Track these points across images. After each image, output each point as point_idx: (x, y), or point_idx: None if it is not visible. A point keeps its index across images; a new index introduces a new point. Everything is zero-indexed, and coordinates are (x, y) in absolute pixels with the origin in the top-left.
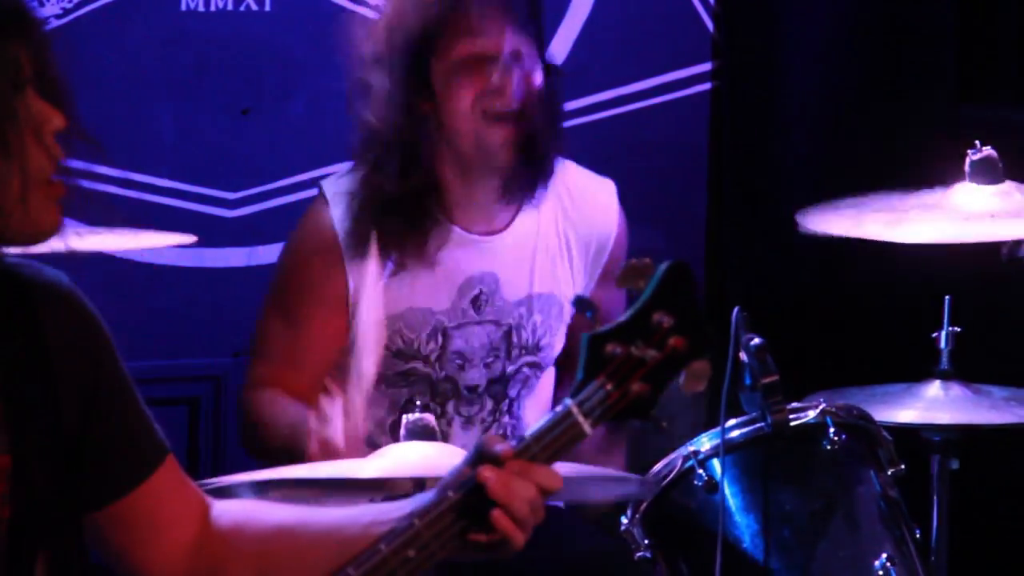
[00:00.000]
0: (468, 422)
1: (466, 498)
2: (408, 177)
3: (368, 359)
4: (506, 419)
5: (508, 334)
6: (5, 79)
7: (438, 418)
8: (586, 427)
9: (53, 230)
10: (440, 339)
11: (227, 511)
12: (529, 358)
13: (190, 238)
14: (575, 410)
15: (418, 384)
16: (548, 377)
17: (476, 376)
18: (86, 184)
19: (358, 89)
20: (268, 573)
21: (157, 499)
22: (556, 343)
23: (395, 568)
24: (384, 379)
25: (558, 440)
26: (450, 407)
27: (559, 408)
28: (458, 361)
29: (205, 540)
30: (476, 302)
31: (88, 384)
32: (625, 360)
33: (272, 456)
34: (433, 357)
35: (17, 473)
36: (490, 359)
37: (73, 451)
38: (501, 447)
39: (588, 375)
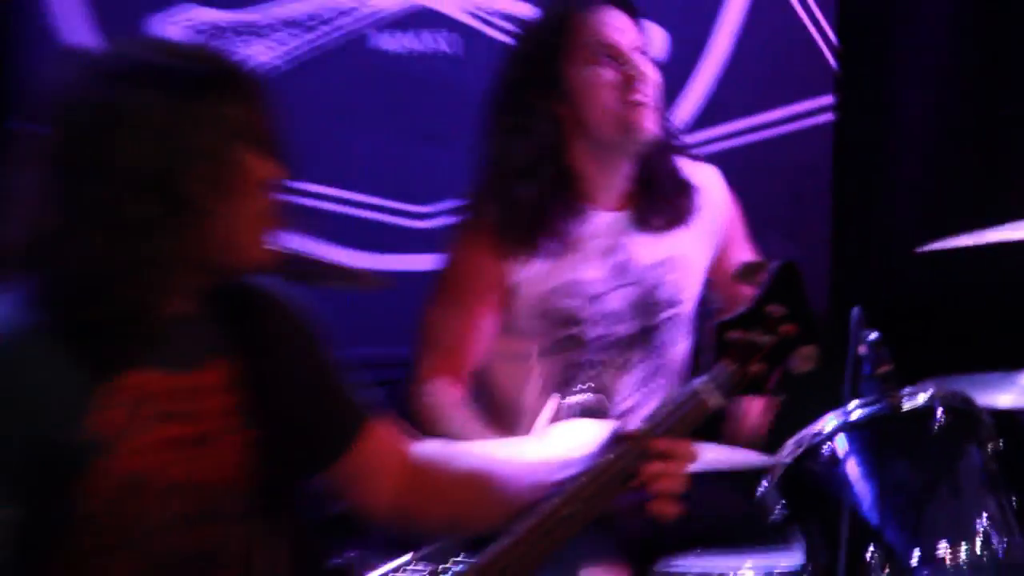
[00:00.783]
0: (622, 369)
1: (614, 474)
2: (552, 176)
3: (533, 331)
4: (655, 362)
5: (649, 292)
6: (224, 134)
7: (599, 371)
8: (712, 402)
9: (262, 263)
10: (593, 304)
11: (426, 456)
12: (669, 311)
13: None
14: (703, 388)
15: (578, 348)
16: (687, 327)
17: (624, 330)
18: (303, 201)
19: (499, 105)
20: (457, 509)
21: (365, 455)
22: (691, 297)
23: (554, 525)
24: (548, 348)
25: (689, 415)
26: (606, 359)
27: (689, 387)
28: (610, 319)
29: (407, 482)
30: (618, 269)
31: (307, 372)
32: (745, 345)
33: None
34: (590, 320)
35: (255, 445)
36: (636, 315)
37: (296, 427)
38: (635, 428)
39: (714, 358)
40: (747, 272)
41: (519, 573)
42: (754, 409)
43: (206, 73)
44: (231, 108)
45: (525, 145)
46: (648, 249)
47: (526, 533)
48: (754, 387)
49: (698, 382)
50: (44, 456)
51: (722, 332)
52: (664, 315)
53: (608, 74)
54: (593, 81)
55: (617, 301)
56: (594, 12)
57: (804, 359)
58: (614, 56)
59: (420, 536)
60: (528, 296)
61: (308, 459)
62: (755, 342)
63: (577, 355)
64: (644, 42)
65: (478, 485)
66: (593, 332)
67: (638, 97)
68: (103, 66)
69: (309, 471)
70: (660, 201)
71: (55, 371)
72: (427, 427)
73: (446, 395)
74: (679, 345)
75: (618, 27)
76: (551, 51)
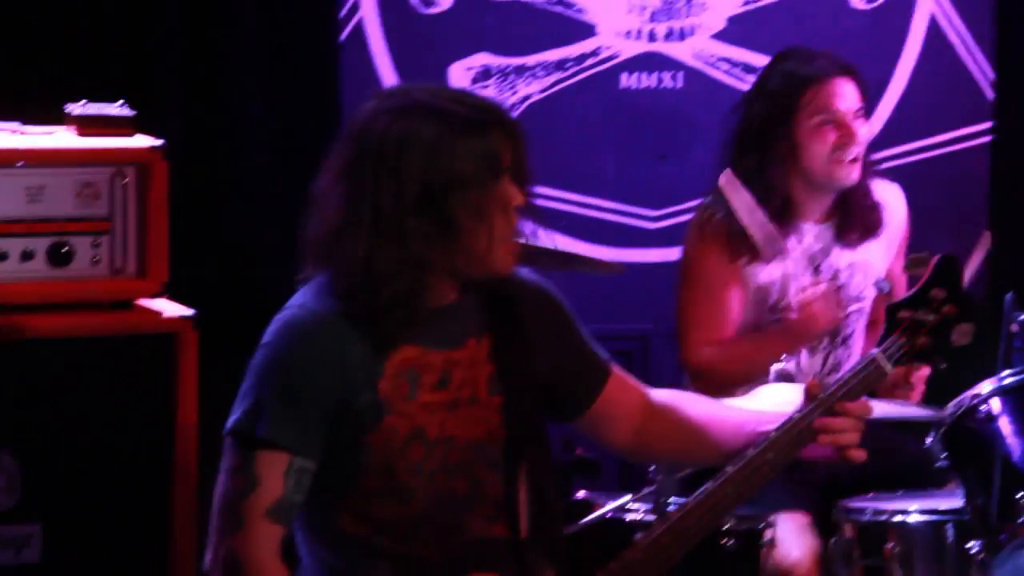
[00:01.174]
0: (813, 350)
1: (804, 428)
2: (776, 194)
3: (753, 314)
4: (840, 350)
5: (839, 289)
6: (487, 167)
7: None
8: (887, 368)
9: (506, 274)
10: (795, 295)
11: (661, 401)
12: (855, 306)
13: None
14: (880, 357)
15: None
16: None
17: None
18: (559, 206)
19: (741, 145)
20: (684, 447)
21: (608, 403)
22: (871, 295)
23: (759, 465)
24: (758, 329)
25: (867, 378)
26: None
27: (867, 356)
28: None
29: (645, 423)
30: (817, 268)
31: (555, 340)
32: (913, 322)
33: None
34: (791, 308)
35: (506, 408)
36: None
37: (544, 389)
38: (823, 389)
39: (888, 332)
40: (915, 263)
41: (724, 510)
42: (919, 377)
43: (478, 115)
44: (495, 145)
45: (759, 180)
46: (842, 255)
47: (734, 474)
48: (920, 357)
49: (875, 352)
50: (344, 415)
51: (894, 312)
52: (850, 309)
53: (830, 136)
54: (817, 139)
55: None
56: (828, 83)
57: (962, 334)
58: (837, 122)
59: (641, 479)
60: (756, 287)
61: (561, 411)
62: (921, 320)
63: None
64: (862, 105)
65: (702, 429)
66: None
67: (849, 156)
68: (399, 102)
69: (563, 420)
70: (855, 218)
71: (351, 346)
72: (708, 383)
73: (718, 351)
74: (860, 337)
75: (844, 96)
76: (787, 111)
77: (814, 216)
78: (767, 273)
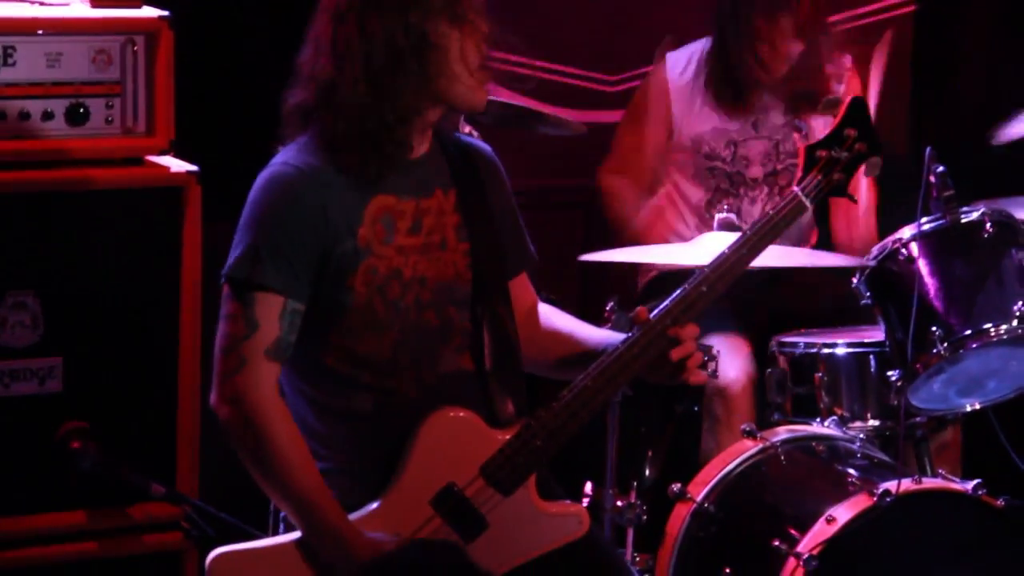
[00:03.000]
0: (752, 201)
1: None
2: (737, 67)
3: (686, 159)
4: (776, 199)
5: (776, 144)
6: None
7: (733, 197)
8: (807, 203)
9: (482, 104)
10: (733, 148)
11: (543, 310)
12: (790, 161)
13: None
14: (799, 193)
15: (719, 176)
16: None
17: (755, 171)
18: (527, 71)
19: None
20: (545, 355)
21: (514, 288)
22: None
23: (616, 373)
24: (697, 172)
25: (788, 215)
26: (740, 191)
27: (788, 194)
28: (744, 161)
29: (527, 324)
30: (756, 124)
31: (500, 209)
32: (829, 159)
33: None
34: (728, 158)
35: (473, 252)
36: (764, 160)
37: (497, 243)
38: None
39: (807, 171)
40: (828, 105)
41: (597, 404)
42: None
43: None
44: None
45: (737, 38)
46: (779, 111)
47: (595, 376)
48: (836, 190)
49: (796, 189)
50: (328, 259)
51: (812, 151)
52: (787, 162)
53: (784, 24)
54: (775, 29)
55: (751, 148)
56: None
57: (872, 167)
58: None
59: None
60: (687, 134)
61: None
62: (836, 157)
63: (719, 183)
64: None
65: (564, 342)
66: (731, 168)
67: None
68: None
69: (505, 277)
70: (801, 90)
71: (333, 197)
72: (604, 209)
73: (617, 187)
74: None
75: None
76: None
77: (768, 84)
78: (702, 123)
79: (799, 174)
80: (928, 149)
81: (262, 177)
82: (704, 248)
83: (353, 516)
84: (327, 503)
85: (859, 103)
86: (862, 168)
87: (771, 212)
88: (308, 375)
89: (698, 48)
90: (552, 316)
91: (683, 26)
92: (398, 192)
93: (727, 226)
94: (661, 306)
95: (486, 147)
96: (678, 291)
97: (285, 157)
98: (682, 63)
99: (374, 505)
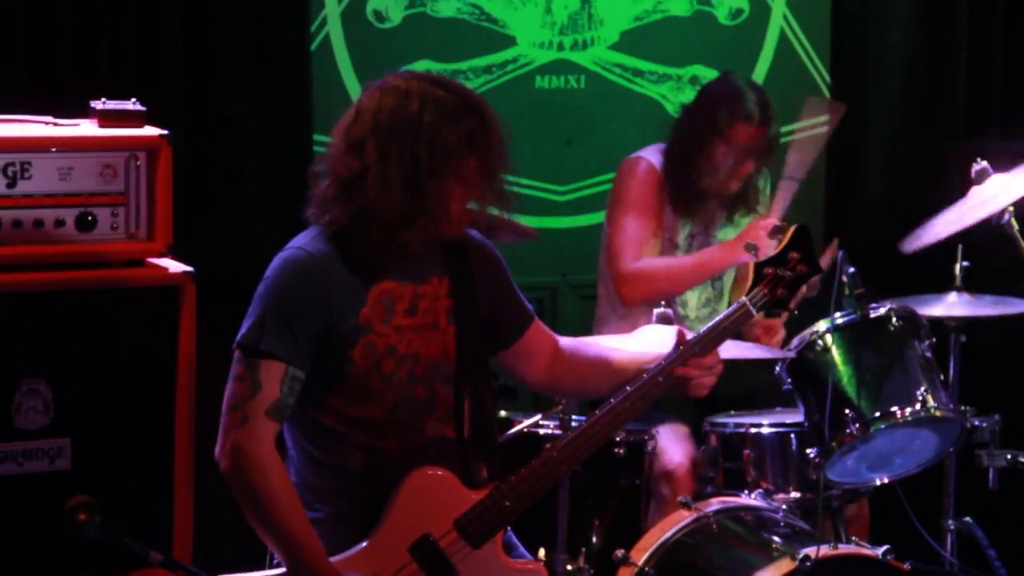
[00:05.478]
0: (692, 289)
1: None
2: (689, 183)
3: (658, 248)
4: (715, 297)
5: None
6: (462, 142)
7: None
8: (753, 312)
9: (459, 234)
10: (690, 241)
11: (567, 345)
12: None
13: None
14: (747, 303)
15: None
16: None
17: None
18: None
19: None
20: (584, 383)
21: (529, 343)
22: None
23: (636, 400)
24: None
25: (736, 320)
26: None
27: (738, 302)
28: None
29: (555, 362)
30: (707, 224)
31: (495, 287)
32: (775, 276)
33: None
34: (686, 250)
35: (459, 334)
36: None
37: (485, 324)
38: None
39: (755, 284)
40: (777, 230)
41: (622, 422)
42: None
43: (461, 102)
44: (474, 126)
45: (682, 169)
46: (724, 230)
47: (621, 402)
48: (778, 304)
49: (744, 299)
50: (331, 334)
51: (760, 268)
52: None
53: (729, 163)
54: (720, 162)
55: (699, 245)
56: (749, 127)
57: (812, 287)
58: (738, 157)
59: (549, 402)
60: (664, 224)
61: (491, 345)
62: (781, 275)
63: None
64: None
65: (598, 368)
66: None
67: (736, 180)
68: (405, 86)
69: (490, 353)
70: (737, 205)
71: (339, 280)
72: (636, 290)
73: (645, 262)
74: (727, 289)
75: (752, 141)
76: (713, 133)
77: (711, 200)
78: (669, 218)
79: (747, 286)
80: (841, 252)
81: (279, 258)
82: (647, 339)
83: (337, 558)
84: (311, 545)
85: (803, 230)
86: (802, 288)
87: (722, 318)
88: (308, 432)
89: (655, 153)
90: (580, 347)
91: (629, 142)
92: (398, 278)
93: (664, 319)
94: (619, 393)
95: (481, 236)
96: (638, 381)
97: (300, 242)
98: (657, 162)
99: (357, 548)
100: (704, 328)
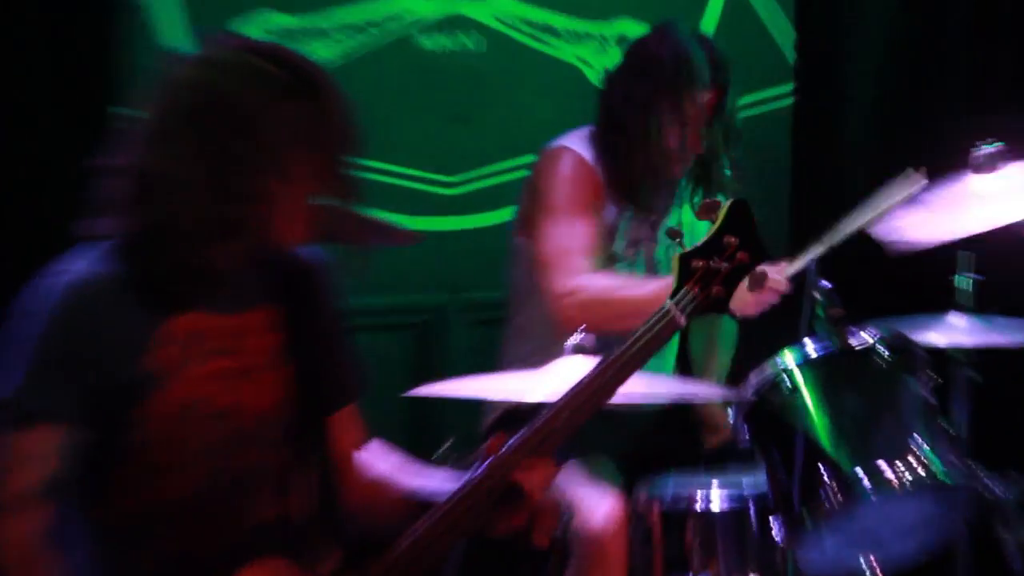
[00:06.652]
0: None
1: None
2: (627, 166)
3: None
4: None
5: (668, 248)
6: (293, 134)
7: None
8: (681, 320)
9: (297, 244)
10: (635, 248)
11: (368, 450)
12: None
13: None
14: (673, 308)
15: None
16: None
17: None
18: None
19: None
20: (369, 504)
21: (335, 427)
22: None
23: (456, 520)
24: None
25: (662, 331)
26: None
27: (660, 308)
28: (640, 264)
29: (347, 469)
30: (654, 225)
31: (329, 330)
32: (706, 271)
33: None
34: (629, 260)
35: (296, 378)
36: (655, 264)
37: (319, 370)
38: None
39: (681, 283)
40: (706, 208)
41: (435, 555)
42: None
43: (296, 80)
44: (305, 111)
45: (630, 140)
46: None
47: (434, 523)
48: (715, 306)
49: (668, 303)
50: (109, 388)
51: (687, 261)
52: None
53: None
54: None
55: (645, 252)
56: (711, 93)
57: (756, 281)
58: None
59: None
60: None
61: (323, 401)
62: (715, 268)
63: None
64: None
65: (381, 489)
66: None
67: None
68: (214, 57)
69: (326, 408)
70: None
71: (120, 315)
72: (591, 315)
73: (596, 279)
74: None
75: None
76: (671, 101)
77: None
78: (608, 215)
79: (672, 285)
80: (810, 259)
81: (40, 285)
82: (559, 377)
83: None
84: None
85: (740, 206)
86: (745, 282)
87: (639, 330)
88: (89, 524)
89: (581, 141)
90: (376, 458)
91: (539, 121)
92: (209, 308)
93: (583, 350)
94: (510, 441)
95: (316, 254)
96: (528, 426)
97: (69, 263)
98: (586, 152)
99: None
100: (616, 348)
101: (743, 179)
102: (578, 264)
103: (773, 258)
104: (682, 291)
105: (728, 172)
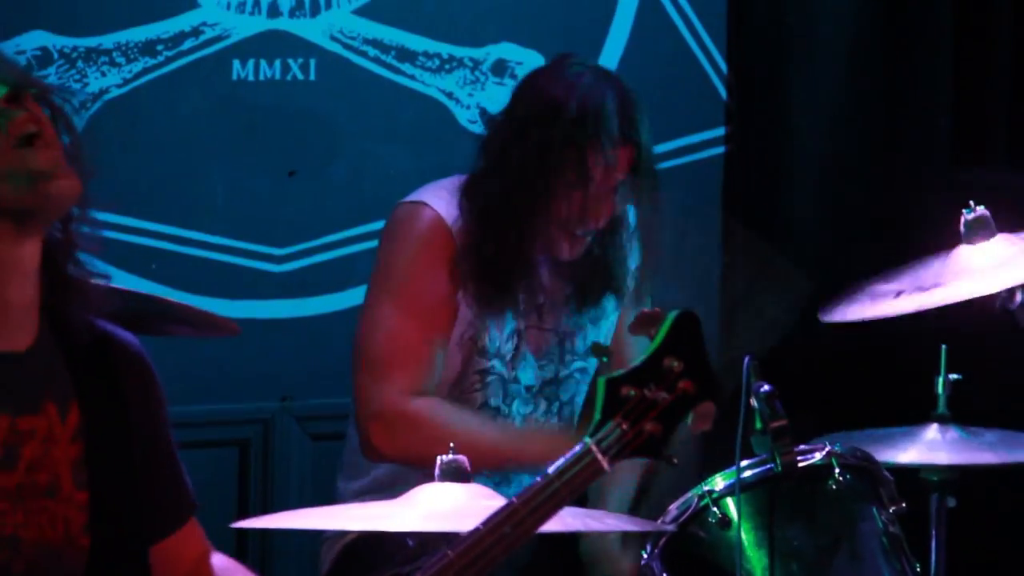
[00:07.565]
0: (525, 421)
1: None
2: (514, 230)
3: (456, 356)
4: (555, 421)
5: (562, 341)
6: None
7: (505, 417)
8: (604, 464)
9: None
10: (516, 340)
11: (220, 566)
12: (580, 363)
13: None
14: (594, 448)
15: (492, 385)
16: None
17: (531, 377)
18: (144, 241)
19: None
20: None
21: (177, 546)
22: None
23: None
24: (463, 378)
25: (579, 476)
26: (514, 407)
27: (579, 446)
28: (523, 361)
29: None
30: (540, 310)
31: (150, 435)
32: (639, 402)
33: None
34: (508, 357)
35: (94, 507)
36: (544, 362)
37: (137, 492)
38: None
39: (605, 415)
40: (643, 321)
41: None
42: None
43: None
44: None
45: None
46: (574, 297)
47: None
48: (649, 448)
49: (589, 442)
50: None
51: (615, 388)
52: (575, 366)
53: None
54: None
55: (531, 342)
56: (614, 150)
57: (702, 418)
58: (594, 195)
59: None
60: (463, 318)
61: (143, 527)
62: (651, 399)
63: (492, 395)
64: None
65: None
66: (509, 373)
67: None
68: None
69: (143, 541)
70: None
71: None
72: (407, 447)
73: (425, 407)
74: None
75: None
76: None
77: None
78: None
79: (594, 417)
80: (747, 359)
81: None
82: (421, 507)
83: None
84: None
85: (687, 320)
86: (688, 419)
87: (552, 473)
88: None
89: (445, 196)
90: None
91: (394, 174)
92: None
93: (454, 474)
94: None
95: (132, 339)
96: None
97: None
98: (448, 212)
99: None
100: (520, 494)
101: (655, 256)
102: (408, 371)
103: (722, 388)
104: (607, 426)
105: (635, 255)
